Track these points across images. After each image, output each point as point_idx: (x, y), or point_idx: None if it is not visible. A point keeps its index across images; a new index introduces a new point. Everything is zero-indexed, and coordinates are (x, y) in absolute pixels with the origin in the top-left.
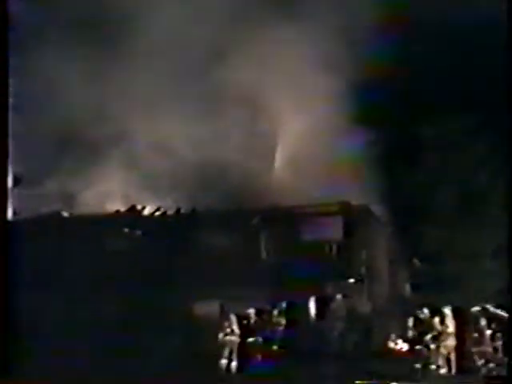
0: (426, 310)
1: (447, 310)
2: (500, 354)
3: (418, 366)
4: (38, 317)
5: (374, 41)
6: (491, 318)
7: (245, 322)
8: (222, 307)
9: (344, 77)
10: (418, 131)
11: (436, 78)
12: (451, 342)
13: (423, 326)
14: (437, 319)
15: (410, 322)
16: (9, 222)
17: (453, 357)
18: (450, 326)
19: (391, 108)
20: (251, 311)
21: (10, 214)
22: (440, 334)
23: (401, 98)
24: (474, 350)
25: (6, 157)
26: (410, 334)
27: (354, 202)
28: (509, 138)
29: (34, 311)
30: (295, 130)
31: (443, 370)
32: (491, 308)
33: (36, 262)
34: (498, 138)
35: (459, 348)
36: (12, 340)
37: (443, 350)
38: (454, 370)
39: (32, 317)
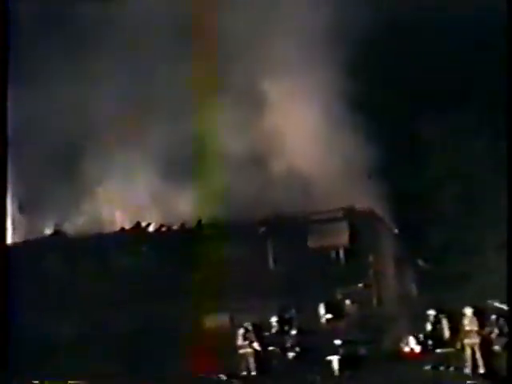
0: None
1: (467, 310)
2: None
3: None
4: (50, 337)
5: None
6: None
7: (262, 332)
8: (231, 319)
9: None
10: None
11: None
12: (474, 340)
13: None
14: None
15: (428, 325)
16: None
17: (478, 355)
18: (471, 324)
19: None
20: (273, 320)
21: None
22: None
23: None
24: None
25: (5, 181)
26: (426, 335)
27: (357, 206)
28: (507, 137)
29: (44, 333)
30: (298, 137)
31: (467, 370)
32: (497, 304)
33: (42, 281)
34: (496, 139)
35: (483, 346)
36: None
37: (467, 350)
38: (481, 369)
39: (43, 338)
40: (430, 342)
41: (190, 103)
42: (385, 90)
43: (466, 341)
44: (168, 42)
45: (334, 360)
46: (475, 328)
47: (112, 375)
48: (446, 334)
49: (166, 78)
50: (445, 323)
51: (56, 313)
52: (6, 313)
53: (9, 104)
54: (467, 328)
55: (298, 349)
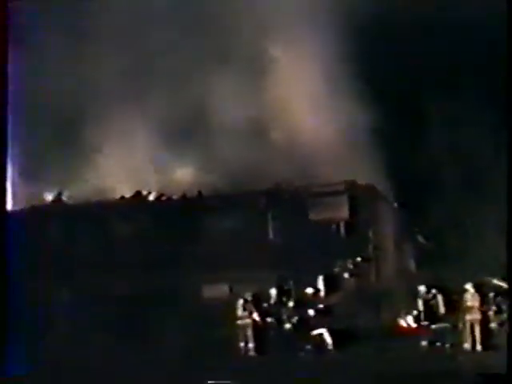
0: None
1: (469, 286)
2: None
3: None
4: (47, 304)
5: None
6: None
7: (262, 303)
8: (231, 290)
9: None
10: (421, 107)
11: None
12: (475, 316)
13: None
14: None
15: (425, 301)
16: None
17: (477, 332)
18: (473, 300)
19: (395, 84)
20: (272, 291)
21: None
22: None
23: (405, 73)
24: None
25: (5, 146)
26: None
27: (359, 181)
28: (510, 115)
29: (41, 299)
30: (300, 110)
31: (467, 345)
32: (495, 281)
33: (41, 248)
34: (499, 116)
35: (483, 323)
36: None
37: (467, 326)
38: (478, 346)
39: (41, 304)
40: (426, 318)
41: (190, 70)
42: (388, 59)
43: (468, 317)
44: (167, 7)
45: (325, 333)
46: (477, 304)
47: (110, 341)
48: (442, 310)
49: (167, 44)
50: (441, 299)
51: (55, 279)
52: (5, 279)
53: (9, 69)
54: (469, 304)
55: (294, 320)
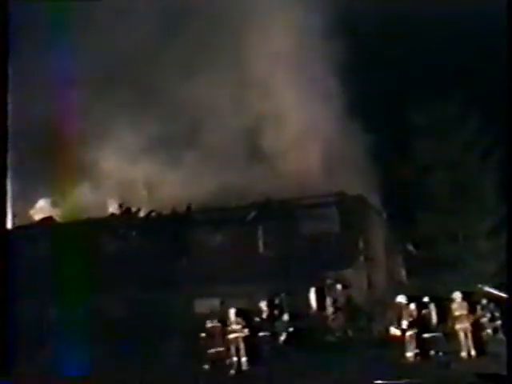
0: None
1: (456, 295)
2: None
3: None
4: (39, 321)
5: None
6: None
7: (254, 317)
8: (222, 304)
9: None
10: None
11: None
12: (465, 324)
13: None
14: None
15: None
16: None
17: (470, 340)
18: (461, 309)
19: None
20: (262, 305)
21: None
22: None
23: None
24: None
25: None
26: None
27: (349, 192)
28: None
29: (34, 315)
30: (289, 122)
31: (463, 354)
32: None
33: (31, 267)
34: (488, 121)
35: (474, 330)
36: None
37: (460, 334)
38: (473, 352)
39: (32, 321)
40: (418, 327)
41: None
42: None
43: (458, 325)
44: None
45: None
46: (465, 312)
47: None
48: (434, 319)
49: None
50: (433, 308)
51: (45, 297)
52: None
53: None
54: (457, 313)
55: (288, 333)
